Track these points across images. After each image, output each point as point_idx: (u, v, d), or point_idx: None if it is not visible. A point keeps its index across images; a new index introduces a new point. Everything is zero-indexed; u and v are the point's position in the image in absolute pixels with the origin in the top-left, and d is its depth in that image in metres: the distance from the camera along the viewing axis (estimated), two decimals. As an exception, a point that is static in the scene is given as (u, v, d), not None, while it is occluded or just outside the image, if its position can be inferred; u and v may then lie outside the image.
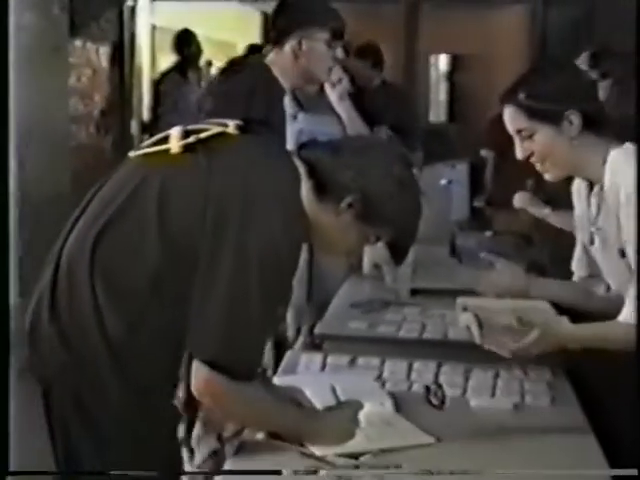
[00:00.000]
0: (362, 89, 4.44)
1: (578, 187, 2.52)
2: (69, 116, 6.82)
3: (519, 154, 2.37)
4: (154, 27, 8.36)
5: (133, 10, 8.14)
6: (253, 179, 1.97)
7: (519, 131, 2.34)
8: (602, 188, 2.35)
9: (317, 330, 3.03)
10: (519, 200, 3.59)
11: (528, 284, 2.84)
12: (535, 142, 2.33)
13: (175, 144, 2.02)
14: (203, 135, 2.03)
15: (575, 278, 2.67)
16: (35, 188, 6.18)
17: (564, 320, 2.92)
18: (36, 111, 6.15)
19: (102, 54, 7.65)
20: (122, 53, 7.90)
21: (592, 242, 2.46)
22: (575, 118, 2.29)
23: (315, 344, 2.94)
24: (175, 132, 2.05)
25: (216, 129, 2.05)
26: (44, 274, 2.06)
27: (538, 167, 2.40)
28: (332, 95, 3.97)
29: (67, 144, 6.70)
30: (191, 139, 2.02)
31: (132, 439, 2.00)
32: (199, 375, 1.92)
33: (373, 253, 3.17)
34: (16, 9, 5.96)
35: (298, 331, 3.85)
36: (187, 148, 2.02)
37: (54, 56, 6.43)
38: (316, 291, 3.89)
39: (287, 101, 3.49)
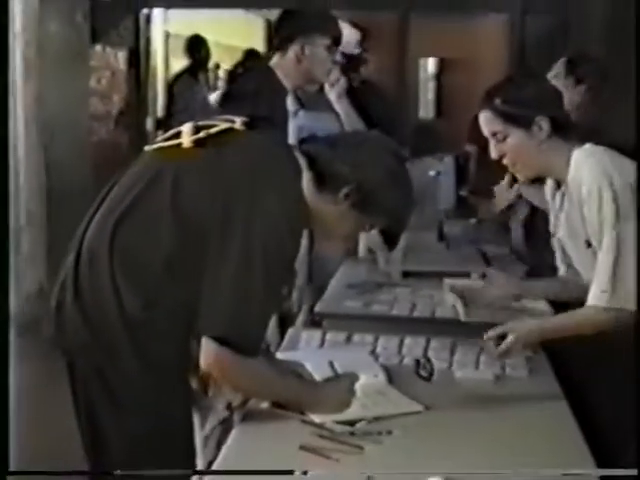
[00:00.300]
0: (355, 88, 4.41)
1: (549, 186, 2.54)
2: (90, 114, 6.82)
3: (493, 154, 2.38)
4: (168, 33, 8.35)
5: (148, 18, 8.12)
6: (258, 171, 1.98)
7: (494, 134, 2.36)
8: (567, 186, 2.37)
9: (316, 309, 3.04)
10: (498, 192, 3.54)
11: (519, 290, 2.84)
12: (507, 144, 2.34)
13: (187, 139, 2.02)
14: (212, 131, 2.03)
15: (560, 273, 2.66)
16: (59, 181, 6.18)
17: (541, 301, 2.93)
18: (60, 110, 6.15)
19: (120, 58, 7.63)
20: (138, 57, 7.88)
21: (557, 234, 2.49)
22: (544, 123, 2.31)
23: (315, 322, 2.94)
24: (186, 128, 2.05)
25: (224, 125, 2.05)
26: (68, 259, 2.07)
27: (510, 168, 2.42)
28: (331, 94, 3.96)
29: (88, 140, 6.70)
30: (201, 134, 2.02)
31: (149, 410, 2.00)
32: (208, 350, 1.92)
33: (368, 239, 3.17)
34: (42, 18, 5.95)
35: (299, 310, 3.85)
36: (198, 143, 2.02)
37: (76, 60, 6.42)
38: (316, 273, 3.88)
39: (289, 100, 3.48)
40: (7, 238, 1.74)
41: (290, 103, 3.57)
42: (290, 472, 1.75)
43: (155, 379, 1.99)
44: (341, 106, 3.89)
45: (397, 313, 3.00)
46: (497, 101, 2.34)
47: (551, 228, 2.57)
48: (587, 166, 2.27)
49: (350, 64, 4.53)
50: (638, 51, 2.36)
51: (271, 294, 1.99)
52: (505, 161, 2.38)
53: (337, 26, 3.36)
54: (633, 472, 1.82)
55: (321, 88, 3.83)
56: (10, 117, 5.96)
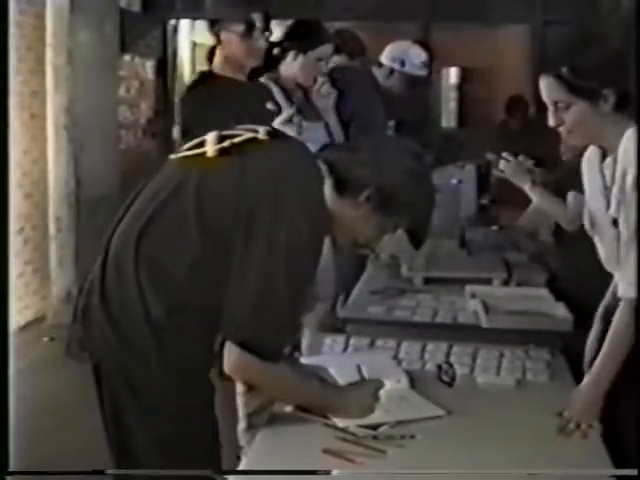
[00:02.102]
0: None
1: (589, 155, 2.43)
2: (119, 123, 6.86)
3: (551, 122, 2.26)
4: (194, 43, 8.38)
5: (176, 28, 8.17)
6: (281, 178, 1.98)
7: (556, 102, 2.26)
8: (615, 160, 2.27)
9: (340, 314, 3.03)
10: (505, 166, 3.47)
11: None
12: (569, 113, 2.23)
13: (211, 148, 2.03)
14: (236, 140, 2.03)
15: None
16: (89, 186, 6.22)
17: (561, 306, 2.91)
18: (90, 118, 6.19)
19: (148, 68, 7.68)
20: (166, 67, 7.93)
21: (608, 207, 2.36)
22: (611, 97, 2.21)
23: (338, 327, 2.94)
24: (211, 137, 2.05)
25: (248, 135, 2.05)
26: (95, 265, 2.08)
27: (564, 135, 2.32)
28: (319, 103, 3.88)
29: (117, 147, 6.74)
30: (225, 144, 2.03)
31: (173, 412, 2.00)
32: (231, 355, 1.92)
33: (391, 245, 3.16)
34: (73, 29, 6.00)
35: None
36: (222, 152, 2.02)
37: (106, 69, 6.47)
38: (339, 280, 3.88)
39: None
40: (7, 238, 1.74)
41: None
42: (313, 472, 1.75)
43: (179, 381, 2.00)
44: (329, 116, 3.87)
45: (419, 319, 2.99)
46: (564, 69, 2.24)
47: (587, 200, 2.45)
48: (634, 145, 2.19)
49: (415, 87, 4.49)
50: (638, 53, 2.30)
51: (293, 300, 1.99)
52: (561, 129, 2.30)
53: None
54: (633, 472, 1.81)
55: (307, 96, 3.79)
56: (39, 125, 6.01)
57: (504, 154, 3.43)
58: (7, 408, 1.83)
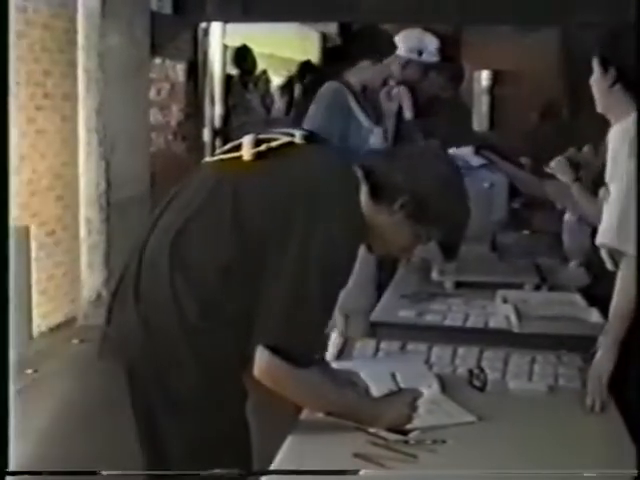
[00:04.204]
0: (426, 101, 4.43)
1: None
2: (149, 125, 6.90)
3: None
4: (225, 46, 8.41)
5: (206, 31, 8.20)
6: (317, 183, 1.98)
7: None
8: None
9: (371, 318, 3.03)
10: (554, 165, 3.50)
11: None
12: None
13: (247, 152, 2.03)
14: (273, 144, 2.03)
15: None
16: (119, 188, 6.26)
17: (594, 312, 2.89)
18: (121, 120, 6.23)
19: (179, 70, 7.71)
20: (196, 69, 7.96)
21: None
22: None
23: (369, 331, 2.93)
24: (247, 141, 2.05)
25: (285, 139, 2.06)
26: (129, 265, 2.09)
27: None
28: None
29: (147, 150, 6.77)
30: (262, 147, 2.03)
31: (206, 413, 2.01)
32: (262, 359, 1.92)
33: (424, 249, 3.17)
34: (105, 32, 6.04)
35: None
36: (258, 155, 2.02)
37: (137, 72, 6.50)
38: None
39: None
40: (7, 241, 1.75)
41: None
42: (342, 472, 1.75)
43: (212, 384, 2.01)
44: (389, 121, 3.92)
45: (450, 323, 2.98)
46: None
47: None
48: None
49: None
50: (638, 52, 2.36)
51: (326, 306, 1.99)
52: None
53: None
54: (633, 472, 1.81)
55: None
56: (71, 127, 6.06)
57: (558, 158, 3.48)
58: (7, 408, 1.84)
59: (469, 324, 2.97)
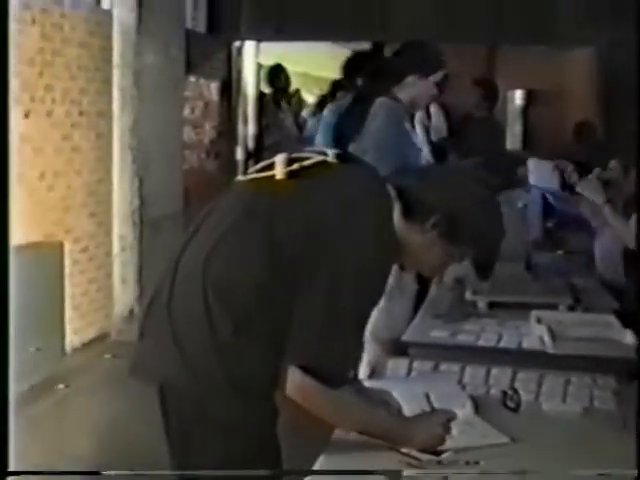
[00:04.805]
0: (460, 120, 4.45)
1: None
2: (183, 143, 6.95)
3: None
4: (259, 65, 8.47)
5: (240, 50, 8.26)
6: (351, 203, 1.98)
7: None
8: None
9: (403, 338, 3.02)
10: (583, 186, 3.48)
11: None
12: None
13: (280, 171, 2.03)
14: (306, 163, 2.04)
15: None
16: (152, 205, 6.30)
17: (629, 333, 2.87)
18: (155, 138, 6.28)
19: (213, 89, 7.77)
20: (230, 88, 8.02)
21: None
22: None
23: (401, 351, 2.92)
24: (280, 160, 2.06)
25: (317, 158, 2.06)
26: (163, 283, 2.09)
27: None
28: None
29: (180, 167, 6.82)
30: (295, 166, 2.03)
31: (236, 431, 2.01)
32: (294, 378, 1.92)
33: (458, 269, 3.16)
34: (140, 50, 6.10)
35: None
36: (291, 175, 2.03)
37: (171, 90, 6.56)
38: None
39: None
40: (7, 240, 1.76)
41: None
42: (381, 472, 1.74)
43: (243, 402, 2.00)
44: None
45: (484, 343, 2.95)
46: None
47: None
48: None
49: None
50: (638, 55, 2.33)
51: (359, 324, 1.99)
52: None
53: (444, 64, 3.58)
54: (633, 472, 1.80)
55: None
56: (104, 144, 6.11)
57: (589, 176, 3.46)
58: (7, 408, 1.84)
59: (503, 344, 2.94)
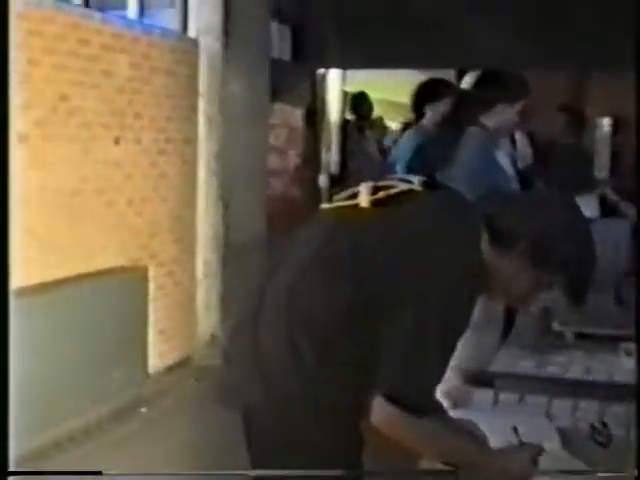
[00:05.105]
0: (545, 147, 4.41)
1: None
2: (267, 169, 7.00)
3: None
4: (344, 92, 8.51)
5: (325, 78, 8.32)
6: (437, 231, 1.96)
7: None
8: None
9: (490, 368, 2.98)
10: None
11: None
12: None
13: (365, 199, 2.02)
14: (392, 192, 2.02)
15: None
16: (236, 231, 6.36)
17: None
18: (240, 164, 6.35)
19: (297, 116, 7.84)
20: (315, 115, 8.07)
21: None
22: None
23: (487, 382, 2.88)
24: (364, 188, 2.05)
25: (403, 186, 2.04)
26: (247, 309, 2.10)
27: None
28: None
29: (265, 194, 6.87)
30: (380, 195, 2.02)
31: (321, 461, 2.00)
32: (378, 407, 1.90)
33: (546, 298, 3.11)
34: (225, 78, 6.19)
35: None
36: (376, 203, 2.02)
37: (256, 118, 6.62)
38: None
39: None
40: (7, 241, 1.77)
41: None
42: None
43: (328, 432, 1.99)
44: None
45: (571, 375, 2.90)
46: None
47: None
48: None
49: None
50: (638, 56, 2.23)
51: (445, 354, 1.96)
52: None
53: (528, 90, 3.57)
54: (633, 472, 1.79)
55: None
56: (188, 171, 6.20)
57: None
58: (7, 409, 1.85)
59: (591, 377, 2.89)
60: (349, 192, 2.10)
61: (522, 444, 2.15)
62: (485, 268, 1.98)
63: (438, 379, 2.00)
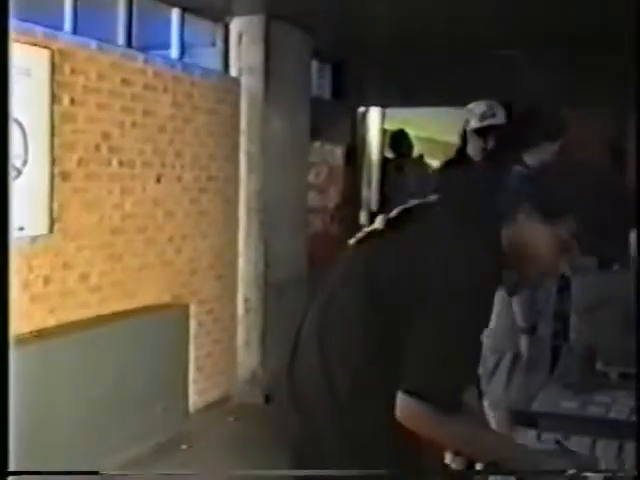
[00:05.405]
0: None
1: None
2: (308, 207, 7.03)
3: None
4: (384, 130, 8.54)
5: (364, 115, 8.35)
6: (446, 246, 1.96)
7: None
8: None
9: (532, 408, 2.94)
10: None
11: None
12: None
13: (379, 221, 2.07)
14: (401, 207, 2.07)
15: None
16: (277, 269, 6.38)
17: None
18: (281, 202, 6.38)
19: (337, 154, 7.87)
20: (355, 153, 8.10)
21: None
22: None
23: (530, 422, 2.85)
24: (380, 217, 2.10)
25: (414, 202, 2.09)
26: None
27: None
28: None
29: (305, 232, 6.89)
30: (393, 213, 2.06)
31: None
32: (404, 404, 1.89)
33: (589, 330, 3.11)
34: (266, 117, 6.24)
35: None
36: (391, 225, 2.05)
37: (296, 156, 6.67)
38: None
39: None
40: (7, 243, 1.77)
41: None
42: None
43: (357, 459, 1.99)
44: None
45: (615, 416, 2.85)
46: None
47: None
48: None
49: None
50: (638, 57, 2.19)
51: (466, 359, 1.97)
52: None
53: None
54: (633, 472, 1.80)
55: None
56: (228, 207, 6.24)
57: None
58: (7, 409, 1.84)
59: (636, 418, 2.83)
60: (371, 228, 2.13)
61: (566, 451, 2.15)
62: (519, 247, 1.98)
63: (463, 378, 2.00)
